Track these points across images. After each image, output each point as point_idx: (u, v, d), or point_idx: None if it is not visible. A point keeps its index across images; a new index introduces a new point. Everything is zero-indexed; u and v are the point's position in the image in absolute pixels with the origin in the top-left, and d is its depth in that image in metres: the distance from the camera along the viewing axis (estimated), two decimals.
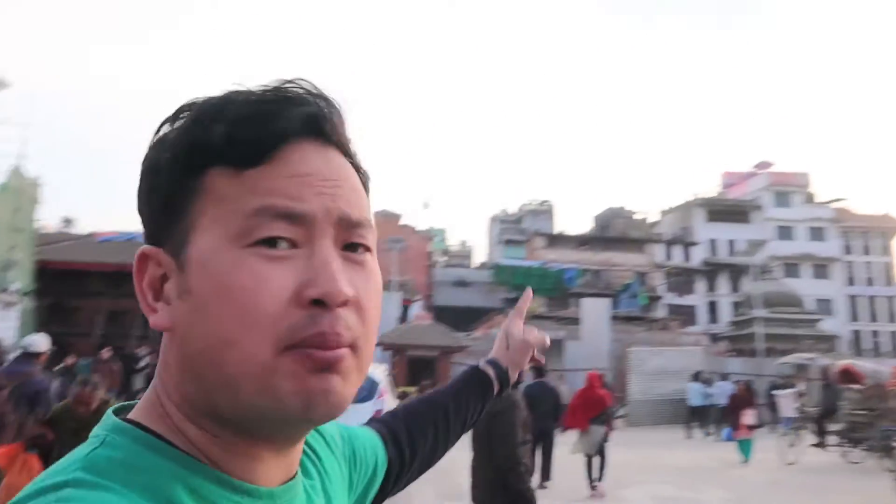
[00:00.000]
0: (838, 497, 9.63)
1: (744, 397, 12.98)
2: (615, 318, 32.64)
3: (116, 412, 0.57)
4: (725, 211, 53.16)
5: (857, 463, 12.14)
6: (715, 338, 43.00)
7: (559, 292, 31.85)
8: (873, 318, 50.04)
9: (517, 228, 61.28)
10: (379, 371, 10.53)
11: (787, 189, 53.07)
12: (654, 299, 47.35)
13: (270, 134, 0.54)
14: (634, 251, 49.90)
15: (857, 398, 12.30)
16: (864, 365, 13.89)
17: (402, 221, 55.31)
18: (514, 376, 1.11)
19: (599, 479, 9.20)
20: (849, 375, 12.66)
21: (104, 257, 30.04)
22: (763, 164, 57.76)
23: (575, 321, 25.30)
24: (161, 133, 0.57)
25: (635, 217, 59.92)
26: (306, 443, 0.68)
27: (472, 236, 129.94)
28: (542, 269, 34.01)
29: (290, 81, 0.57)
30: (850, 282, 50.50)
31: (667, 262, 50.12)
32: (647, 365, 21.55)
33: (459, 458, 10.47)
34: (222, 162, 0.54)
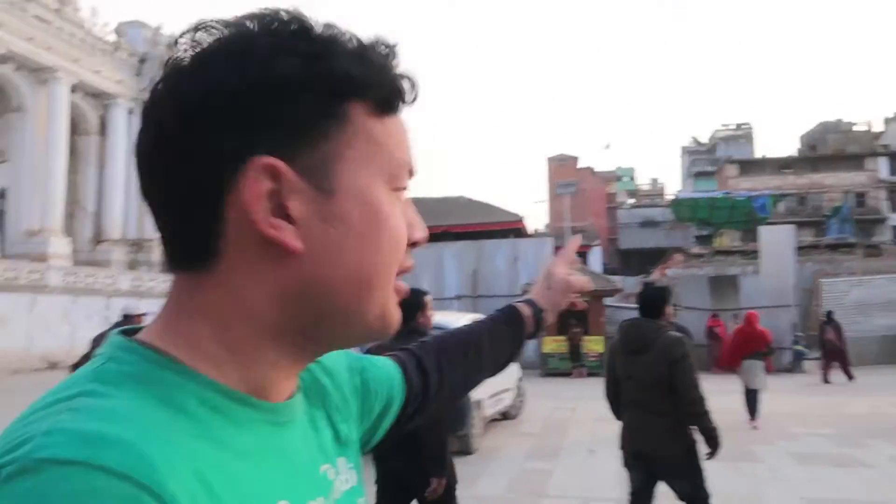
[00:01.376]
0: None
1: None
2: (820, 246, 28.41)
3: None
4: None
5: None
6: None
7: (751, 223, 28.27)
8: None
9: (709, 159, 56.06)
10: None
11: None
12: (877, 221, 40.64)
13: (401, 90, 0.58)
14: (851, 169, 43.04)
15: None
16: None
17: (579, 164, 53.15)
18: (549, 318, 1.11)
19: (755, 415, 9.39)
20: None
21: None
22: None
23: None
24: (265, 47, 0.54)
25: (854, 130, 51.80)
26: (315, 377, 0.70)
27: (664, 173, 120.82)
28: (727, 200, 30.33)
29: (384, 44, 0.59)
30: None
31: (893, 178, 42.54)
32: (845, 298, 18.28)
33: (556, 416, 9.44)
34: (365, 98, 0.56)
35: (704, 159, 56.26)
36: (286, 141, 0.53)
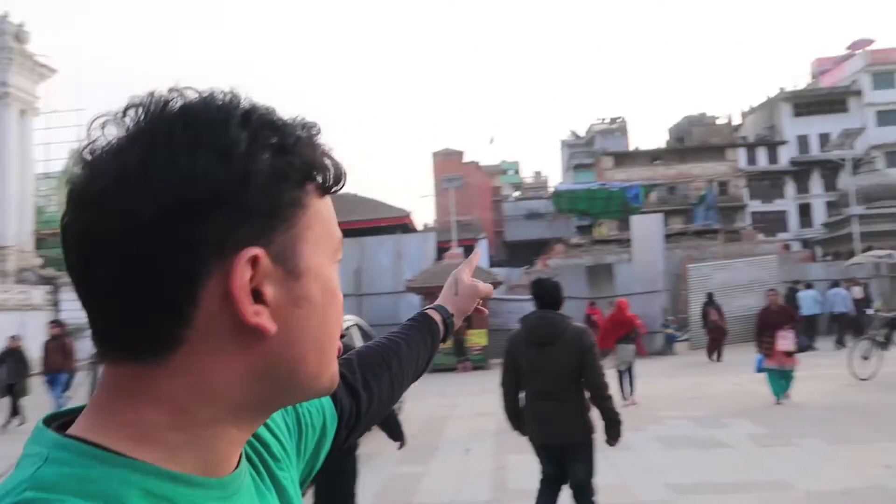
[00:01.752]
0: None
1: (777, 312, 9.30)
2: (688, 233, 30.07)
3: (48, 426, 0.55)
4: (817, 102, 47.94)
5: None
6: (807, 244, 39.27)
7: (626, 213, 29.47)
8: None
9: (587, 152, 58.13)
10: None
11: (890, 68, 47.04)
12: (737, 208, 43.71)
13: (341, 169, 0.61)
14: (714, 159, 46.03)
15: None
16: None
17: (465, 159, 53.65)
18: (458, 322, 1.17)
19: (631, 392, 10.32)
20: None
21: None
22: (860, 43, 51.61)
23: None
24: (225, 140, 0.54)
25: (716, 123, 55.42)
26: (255, 432, 0.68)
27: (546, 166, 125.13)
28: (603, 191, 31.51)
29: (313, 125, 0.61)
30: None
31: (751, 167, 45.94)
32: (710, 281, 19.34)
33: (437, 415, 9.06)
34: (315, 181, 0.59)
35: (583, 152, 58.31)
36: (263, 230, 0.54)
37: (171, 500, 0.52)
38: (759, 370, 9.54)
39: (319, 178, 0.59)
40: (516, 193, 65.25)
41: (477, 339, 16.77)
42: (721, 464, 6.59)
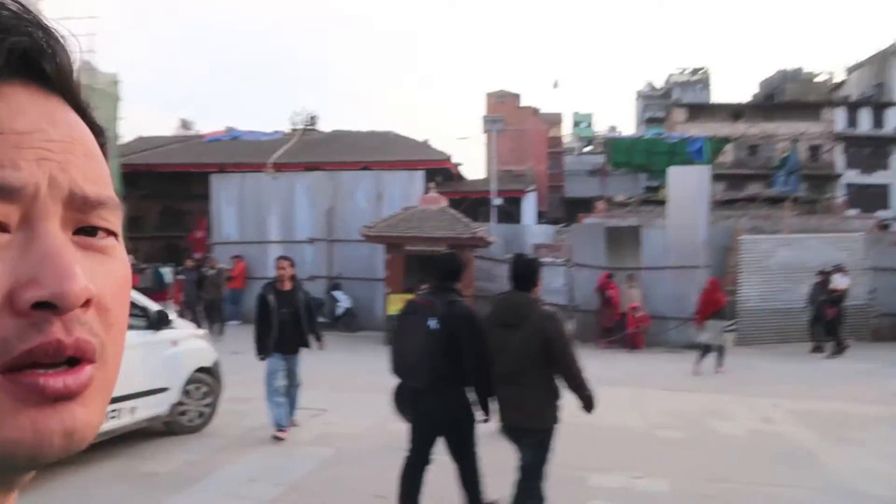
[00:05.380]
0: None
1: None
2: (757, 200, 25.12)
3: None
4: None
5: None
6: None
7: None
8: None
9: (663, 104, 52.45)
10: None
11: None
12: (829, 178, 37.65)
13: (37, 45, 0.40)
14: (807, 119, 39.70)
15: None
16: None
17: (522, 104, 48.96)
18: None
19: (720, 364, 10.89)
20: None
21: (209, 158, 28.39)
22: None
23: None
24: None
25: (815, 81, 48.51)
26: None
27: (622, 122, 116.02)
28: (663, 143, 26.81)
29: None
30: None
31: (850, 131, 39.36)
32: (770, 259, 14.95)
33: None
34: None
35: (658, 104, 52.66)
36: None
37: None
38: None
39: None
40: (588, 148, 60.43)
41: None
42: None
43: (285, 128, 37.40)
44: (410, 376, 4.05)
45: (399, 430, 6.70)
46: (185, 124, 47.04)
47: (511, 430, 3.98)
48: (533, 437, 3.90)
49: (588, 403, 3.88)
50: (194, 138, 37.90)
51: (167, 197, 31.79)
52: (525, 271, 3.95)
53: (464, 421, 4.04)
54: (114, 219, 0.43)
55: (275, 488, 5.01)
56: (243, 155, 28.38)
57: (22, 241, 0.38)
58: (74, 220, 0.41)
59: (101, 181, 0.42)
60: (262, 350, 6.23)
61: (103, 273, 0.41)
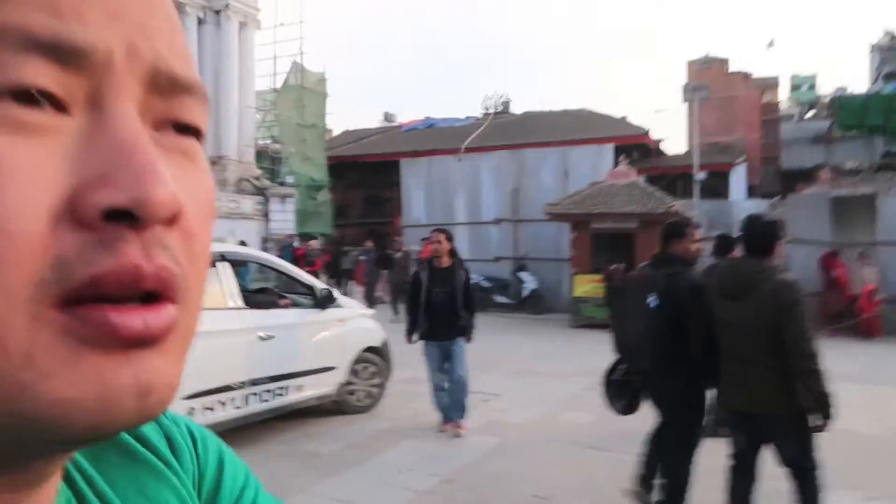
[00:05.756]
0: None
1: None
2: None
3: None
4: None
5: None
6: None
7: None
8: None
9: None
10: None
11: None
12: None
13: None
14: None
15: None
16: None
17: (730, 69, 44.60)
18: None
19: None
20: None
21: (406, 147, 29.98)
22: None
23: None
24: None
25: None
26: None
27: (852, 82, 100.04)
28: None
29: None
30: None
31: None
32: None
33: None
34: None
35: None
36: None
37: None
38: None
39: None
40: (810, 113, 53.95)
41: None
42: None
43: (478, 113, 37.76)
44: (634, 359, 3.83)
45: (571, 423, 6.13)
46: (387, 117, 49.54)
47: (740, 415, 3.46)
48: (782, 425, 3.33)
49: (823, 403, 3.15)
50: (395, 129, 39.77)
51: (370, 186, 33.65)
52: (759, 234, 3.40)
53: (685, 413, 3.65)
54: (202, 113, 0.33)
55: (429, 479, 4.66)
56: (437, 142, 29.09)
57: (88, 126, 0.28)
58: (154, 108, 0.31)
59: (189, 60, 0.32)
60: (410, 332, 5.79)
61: (189, 184, 0.31)
